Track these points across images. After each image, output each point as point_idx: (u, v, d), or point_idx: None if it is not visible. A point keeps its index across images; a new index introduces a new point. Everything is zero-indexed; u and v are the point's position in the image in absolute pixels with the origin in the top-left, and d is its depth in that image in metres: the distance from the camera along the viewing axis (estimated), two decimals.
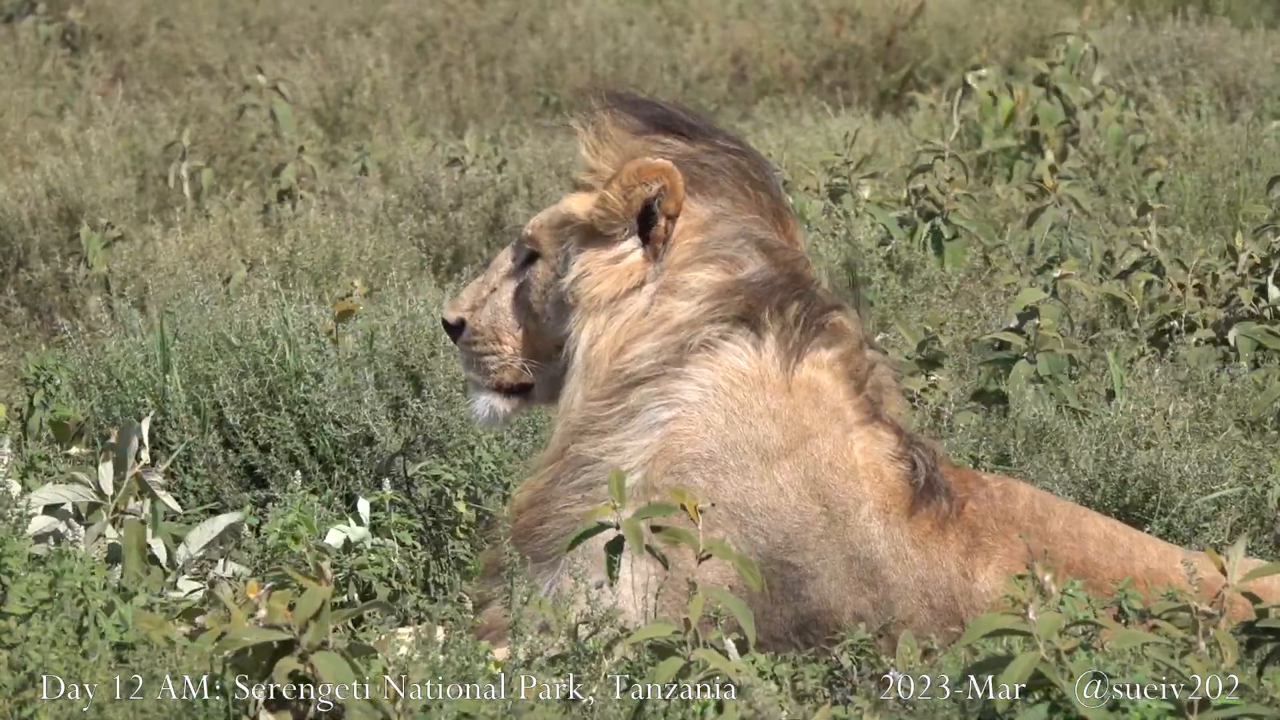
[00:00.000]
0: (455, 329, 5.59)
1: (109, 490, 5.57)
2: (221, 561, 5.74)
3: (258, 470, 7.25)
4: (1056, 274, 7.86)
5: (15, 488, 5.65)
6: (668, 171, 5.37)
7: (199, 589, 5.49)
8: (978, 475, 5.48)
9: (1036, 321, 7.16)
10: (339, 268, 9.76)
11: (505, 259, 5.61)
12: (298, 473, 6.96)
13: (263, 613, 4.42)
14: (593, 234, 5.44)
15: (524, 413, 5.92)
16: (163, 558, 5.56)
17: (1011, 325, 7.29)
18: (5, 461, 5.78)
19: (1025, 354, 7.14)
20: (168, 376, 7.42)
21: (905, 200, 9.17)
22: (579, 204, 5.47)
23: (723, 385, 5.32)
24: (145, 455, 5.63)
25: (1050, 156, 10.44)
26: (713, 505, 5.22)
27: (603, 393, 5.35)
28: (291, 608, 4.38)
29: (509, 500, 5.54)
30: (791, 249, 5.49)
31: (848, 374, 5.42)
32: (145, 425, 5.70)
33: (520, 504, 5.41)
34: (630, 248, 5.43)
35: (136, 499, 5.57)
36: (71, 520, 5.58)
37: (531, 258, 5.55)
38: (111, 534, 5.57)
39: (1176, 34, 13.21)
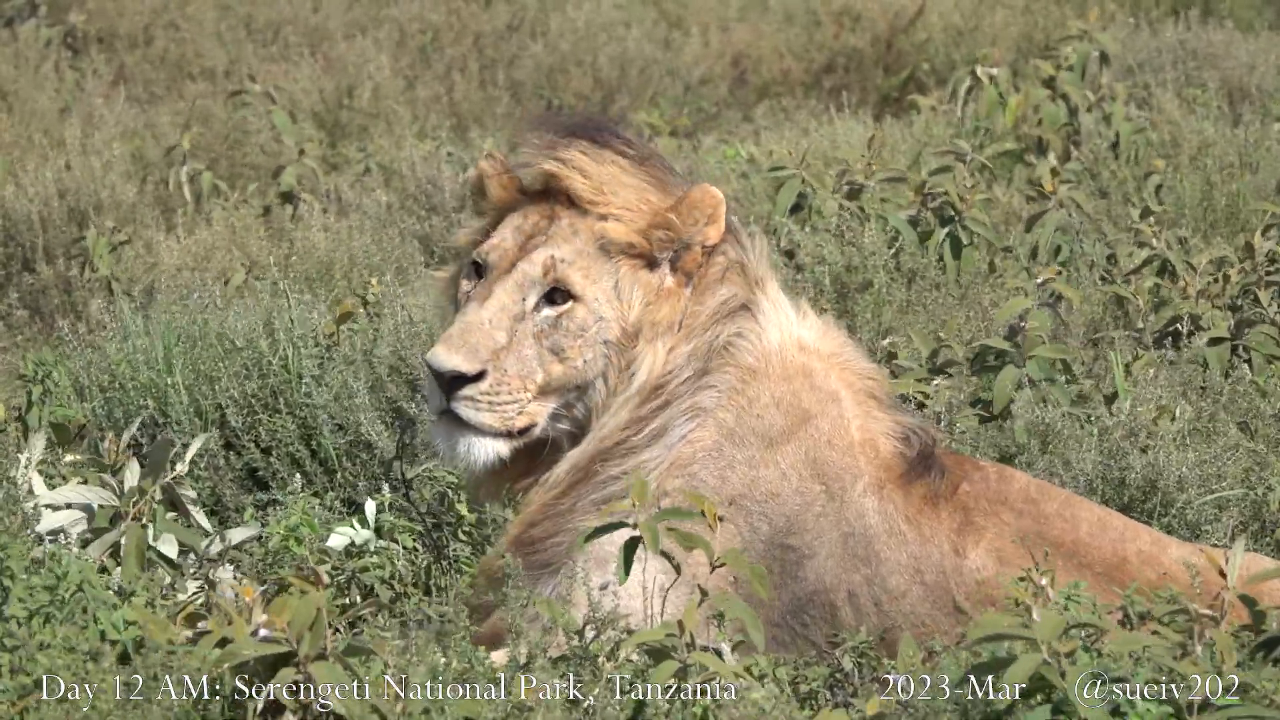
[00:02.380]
0: (473, 379, 5.38)
1: (133, 493, 5.56)
2: (222, 563, 5.74)
3: (259, 473, 7.25)
4: (1040, 279, 7.86)
5: (40, 485, 5.65)
6: (720, 201, 5.47)
7: (199, 592, 5.48)
8: (975, 461, 5.60)
9: (1024, 326, 7.17)
10: (340, 270, 9.77)
11: (509, 300, 5.44)
12: (298, 475, 6.97)
13: (261, 618, 4.43)
14: (643, 263, 5.49)
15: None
16: (174, 555, 5.56)
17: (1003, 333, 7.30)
18: (33, 459, 5.76)
19: (1015, 360, 7.13)
20: (170, 378, 7.42)
21: (921, 202, 9.15)
22: (623, 232, 5.48)
23: (736, 385, 5.46)
24: (183, 468, 5.63)
25: (1053, 159, 10.43)
26: (720, 498, 5.34)
27: (635, 417, 5.45)
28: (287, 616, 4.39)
29: (517, 510, 5.53)
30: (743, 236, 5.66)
31: (833, 352, 5.56)
32: (197, 444, 5.72)
33: (532, 516, 5.46)
34: (668, 272, 5.51)
35: (159, 505, 5.57)
36: (83, 522, 5.58)
37: (549, 299, 5.45)
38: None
39: (1179, 37, 13.21)
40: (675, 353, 5.46)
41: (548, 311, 5.44)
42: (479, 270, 5.53)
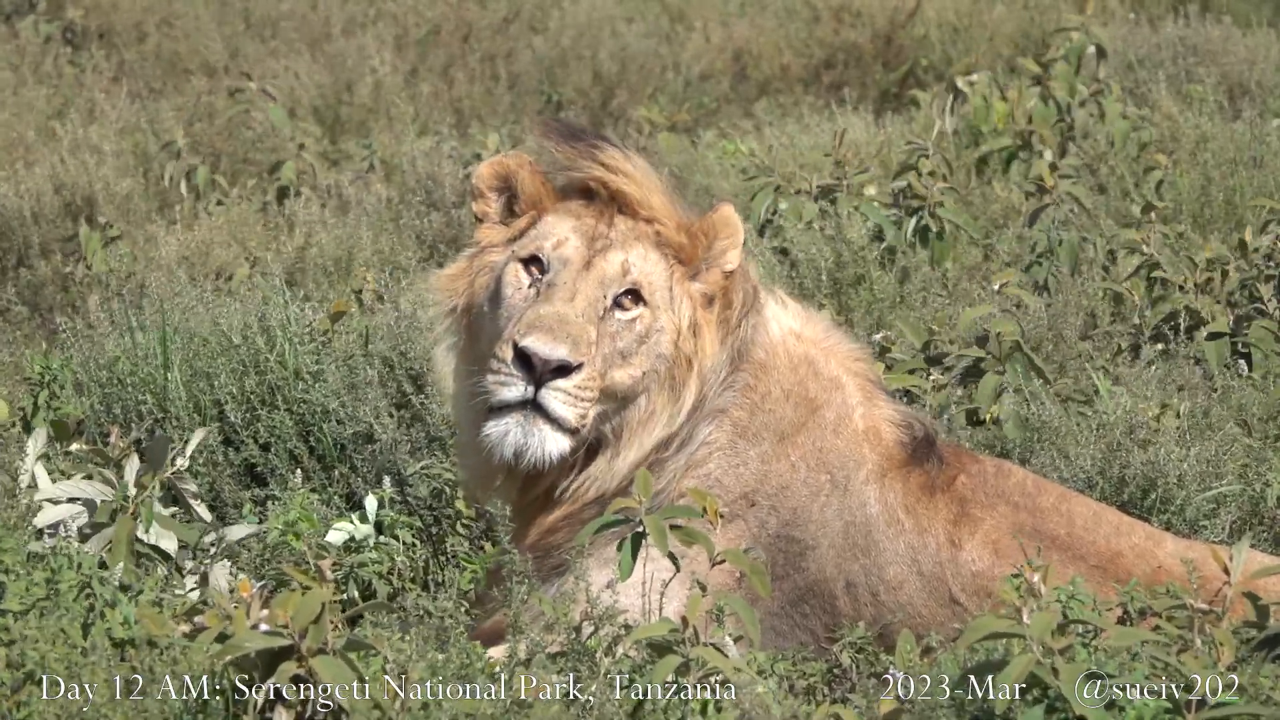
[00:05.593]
0: (571, 371, 5.31)
1: (131, 489, 5.56)
2: (220, 559, 5.74)
3: (258, 469, 7.25)
4: (996, 286, 7.87)
5: (44, 478, 5.64)
6: (741, 228, 5.56)
7: (196, 589, 5.49)
8: (974, 454, 5.66)
9: (998, 334, 7.18)
10: (340, 266, 9.77)
11: (594, 296, 5.41)
12: (297, 471, 6.97)
13: (262, 613, 4.43)
14: (689, 272, 5.52)
15: None
16: (173, 551, 5.56)
17: (973, 340, 7.32)
18: (35, 454, 5.76)
19: (991, 366, 7.14)
20: (168, 374, 7.42)
21: (893, 198, 9.18)
22: (676, 235, 5.50)
23: (750, 382, 5.51)
24: (183, 462, 5.62)
25: (1048, 156, 10.43)
26: (734, 494, 5.42)
27: (670, 434, 5.47)
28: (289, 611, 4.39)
29: (538, 517, 5.51)
30: None
31: (822, 336, 5.64)
32: (197, 438, 5.70)
33: (553, 523, 5.48)
34: (703, 286, 5.56)
35: (155, 499, 5.57)
36: (84, 515, 5.58)
37: (617, 303, 5.43)
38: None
39: (1179, 32, 13.21)
40: (716, 361, 5.50)
41: (620, 315, 5.42)
42: (534, 265, 5.45)
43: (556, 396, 5.28)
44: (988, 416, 7.00)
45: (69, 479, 5.66)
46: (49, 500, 5.59)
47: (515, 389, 5.29)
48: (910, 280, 8.69)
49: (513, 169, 5.57)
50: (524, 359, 5.26)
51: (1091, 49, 11.55)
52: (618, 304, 5.41)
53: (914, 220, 8.96)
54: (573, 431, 5.32)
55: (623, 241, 5.45)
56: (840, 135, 9.64)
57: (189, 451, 5.65)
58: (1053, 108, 11.10)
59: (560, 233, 5.46)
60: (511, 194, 5.59)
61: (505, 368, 5.28)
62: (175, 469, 5.61)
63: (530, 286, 5.43)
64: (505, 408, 5.30)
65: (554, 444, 5.30)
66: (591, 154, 5.49)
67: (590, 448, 5.44)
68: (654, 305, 5.43)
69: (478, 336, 5.52)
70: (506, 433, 5.30)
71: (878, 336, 7.62)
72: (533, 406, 5.29)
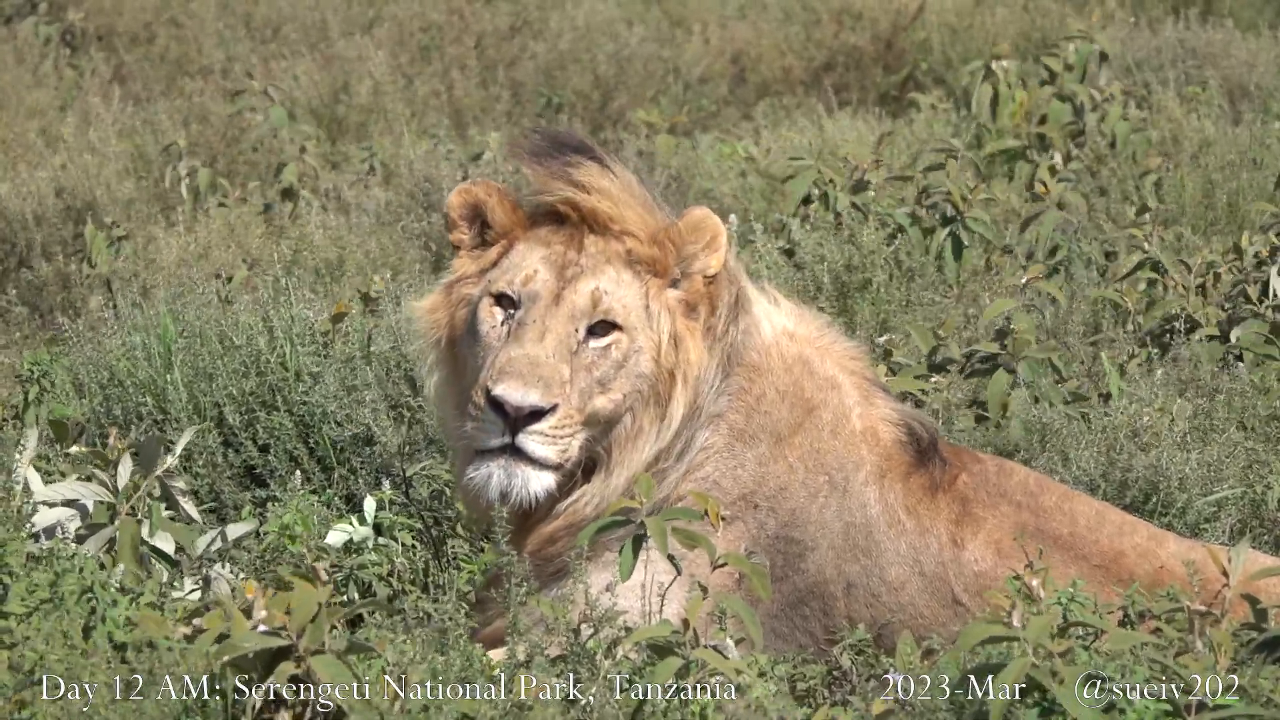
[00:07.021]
0: (546, 413, 5.32)
1: (124, 489, 5.56)
2: (219, 561, 5.74)
3: (257, 470, 7.25)
4: (1024, 279, 7.86)
5: (36, 480, 5.64)
6: (721, 230, 5.51)
7: (197, 589, 5.49)
8: (975, 454, 5.64)
9: (1011, 328, 7.17)
10: (341, 268, 9.77)
11: (564, 333, 5.38)
12: (296, 473, 6.97)
13: (261, 614, 4.43)
14: (665, 282, 5.48)
15: None
16: (170, 552, 5.56)
17: (991, 335, 7.31)
18: (27, 455, 5.75)
19: (1005, 362, 7.14)
20: (169, 376, 7.42)
21: (916, 200, 9.13)
22: (646, 248, 5.46)
23: (744, 385, 5.49)
24: (173, 460, 5.61)
25: (1057, 157, 10.43)
26: (733, 496, 5.41)
27: (666, 448, 5.45)
28: (288, 612, 4.39)
29: (538, 526, 5.51)
30: None
31: (817, 335, 5.61)
32: (187, 435, 5.70)
33: (553, 533, 5.47)
34: (682, 294, 5.53)
35: (154, 501, 5.56)
36: (77, 518, 5.58)
37: (592, 331, 5.40)
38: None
39: (1179, 35, 13.22)
40: (704, 368, 5.47)
41: (595, 344, 5.39)
42: (505, 302, 5.44)
43: (534, 439, 5.31)
44: (995, 416, 6.98)
45: (65, 480, 5.66)
46: (44, 502, 5.58)
47: (493, 437, 5.32)
48: (915, 282, 8.67)
49: (481, 198, 5.55)
50: (498, 405, 5.28)
51: (1096, 52, 11.56)
52: (591, 333, 5.39)
53: (946, 230, 8.90)
54: (556, 467, 5.35)
55: (593, 267, 5.42)
56: (883, 136, 9.63)
57: (178, 450, 5.65)
58: (1067, 106, 11.10)
59: (529, 266, 5.44)
60: (484, 221, 5.57)
61: (481, 414, 5.31)
62: (166, 467, 5.61)
63: (503, 324, 5.42)
64: (487, 451, 5.33)
65: (538, 483, 5.34)
66: (565, 173, 5.46)
67: (587, 466, 5.44)
68: (630, 327, 5.40)
69: (464, 369, 5.52)
70: (490, 476, 5.33)
71: (881, 340, 7.61)
72: (512, 451, 5.32)
